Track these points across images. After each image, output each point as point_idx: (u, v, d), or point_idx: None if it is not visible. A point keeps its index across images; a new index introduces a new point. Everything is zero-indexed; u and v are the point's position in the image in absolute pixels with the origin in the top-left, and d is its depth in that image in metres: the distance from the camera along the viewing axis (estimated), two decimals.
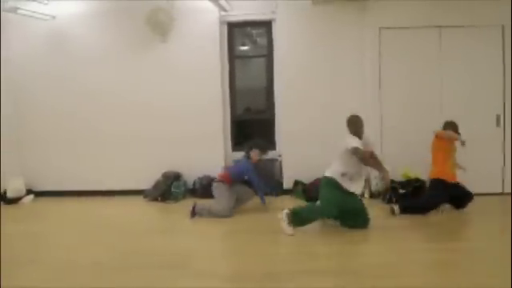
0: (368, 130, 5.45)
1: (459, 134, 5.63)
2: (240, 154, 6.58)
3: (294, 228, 5.02)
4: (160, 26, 6.76)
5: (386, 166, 6.61)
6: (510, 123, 6.58)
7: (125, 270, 4.24)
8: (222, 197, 5.86)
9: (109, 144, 7.26)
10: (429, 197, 5.79)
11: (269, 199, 6.25)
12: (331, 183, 5.15)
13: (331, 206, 5.06)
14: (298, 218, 5.07)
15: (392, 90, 6.67)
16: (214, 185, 5.99)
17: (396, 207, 5.72)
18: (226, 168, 6.49)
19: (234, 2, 6.97)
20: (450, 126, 5.71)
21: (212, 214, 5.77)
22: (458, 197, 5.76)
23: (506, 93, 6.56)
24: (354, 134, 5.19)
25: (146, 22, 6.75)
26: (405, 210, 5.70)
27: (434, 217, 5.58)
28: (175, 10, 6.89)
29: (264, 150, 6.16)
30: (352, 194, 5.17)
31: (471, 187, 6.52)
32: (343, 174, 5.11)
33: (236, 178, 6.03)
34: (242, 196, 6.10)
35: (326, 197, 5.15)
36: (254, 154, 6.06)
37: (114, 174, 7.28)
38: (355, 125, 5.27)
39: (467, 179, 6.57)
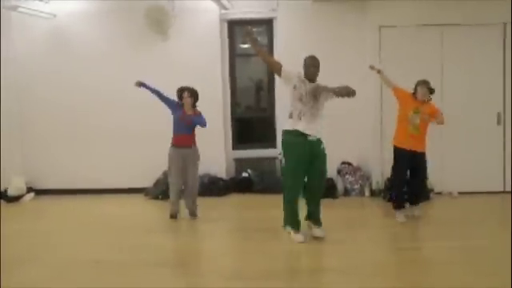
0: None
1: (432, 89, 5.39)
2: (241, 153, 6.58)
3: (294, 229, 4.81)
4: (158, 24, 6.73)
5: (386, 163, 6.64)
6: (510, 121, 6.58)
7: (126, 269, 4.25)
8: (169, 173, 5.68)
9: (110, 142, 7.26)
10: (392, 172, 5.60)
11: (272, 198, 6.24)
12: (283, 143, 4.76)
13: (290, 175, 4.71)
14: (289, 220, 4.86)
15: None
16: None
17: (399, 216, 5.45)
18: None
19: (235, 0, 6.96)
20: (419, 84, 5.40)
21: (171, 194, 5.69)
22: (414, 169, 5.42)
23: (507, 91, 6.56)
24: (305, 76, 4.74)
25: (144, 19, 6.73)
26: (396, 205, 5.51)
27: (434, 215, 5.57)
28: (175, 8, 6.89)
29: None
30: (306, 137, 4.60)
31: (471, 185, 6.56)
32: (290, 116, 4.70)
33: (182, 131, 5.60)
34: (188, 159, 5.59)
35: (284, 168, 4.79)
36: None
37: (115, 172, 7.28)
38: (304, 65, 4.78)
39: (469, 177, 6.60)
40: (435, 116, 5.30)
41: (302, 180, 4.70)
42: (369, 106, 6.80)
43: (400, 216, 5.44)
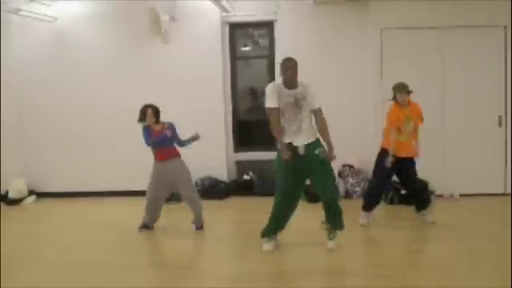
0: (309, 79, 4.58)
1: (410, 91, 5.21)
2: (242, 155, 6.52)
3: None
4: (151, 25, 6.66)
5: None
6: (511, 124, 6.58)
7: (127, 271, 4.25)
8: (148, 184, 5.46)
9: (111, 145, 7.25)
10: (373, 175, 5.54)
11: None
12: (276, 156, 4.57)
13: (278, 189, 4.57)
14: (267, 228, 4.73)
15: None
16: None
17: (362, 218, 5.41)
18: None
19: (236, 3, 6.97)
20: (396, 89, 5.26)
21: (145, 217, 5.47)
22: (404, 176, 5.37)
23: (508, 93, 6.55)
24: (283, 82, 4.43)
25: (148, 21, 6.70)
26: (368, 206, 5.42)
27: (435, 217, 5.56)
28: (176, 11, 6.90)
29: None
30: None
31: (473, 187, 6.56)
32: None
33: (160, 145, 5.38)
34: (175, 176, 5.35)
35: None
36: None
37: (117, 175, 7.27)
38: (281, 69, 4.40)
39: (470, 180, 6.59)
40: (420, 119, 5.31)
41: (291, 193, 4.54)
42: (370, 107, 6.80)
43: (363, 218, 5.42)
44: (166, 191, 5.56)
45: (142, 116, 5.36)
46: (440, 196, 6.55)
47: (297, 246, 4.72)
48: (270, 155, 7.38)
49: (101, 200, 7.11)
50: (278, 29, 7.19)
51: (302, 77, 6.89)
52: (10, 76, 7.12)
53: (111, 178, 7.29)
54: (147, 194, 5.46)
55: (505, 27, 6.48)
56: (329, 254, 4.54)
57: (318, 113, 4.48)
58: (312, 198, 6.53)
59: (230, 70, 7.42)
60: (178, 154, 5.44)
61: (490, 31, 6.52)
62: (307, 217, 5.40)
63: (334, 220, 4.64)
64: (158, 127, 5.42)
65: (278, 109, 4.35)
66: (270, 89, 4.43)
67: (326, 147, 4.47)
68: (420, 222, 5.44)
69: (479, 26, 6.49)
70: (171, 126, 5.45)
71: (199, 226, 5.40)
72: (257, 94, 7.64)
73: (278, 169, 4.53)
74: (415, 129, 5.33)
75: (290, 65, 4.36)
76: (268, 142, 7.49)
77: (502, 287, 3.62)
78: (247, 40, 7.77)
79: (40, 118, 7.36)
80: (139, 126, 7.15)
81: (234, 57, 7.45)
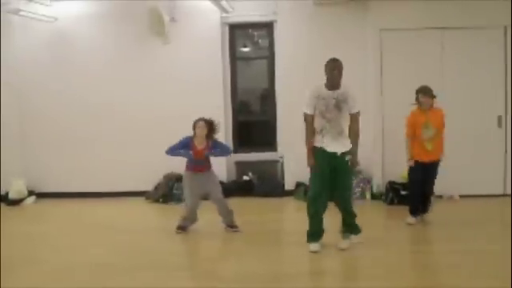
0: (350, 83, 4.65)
1: (433, 96, 5.25)
2: (242, 156, 6.49)
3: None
4: (152, 26, 6.66)
5: (387, 166, 6.63)
6: (511, 124, 6.57)
7: (126, 272, 4.25)
8: (185, 194, 5.44)
9: (110, 146, 7.26)
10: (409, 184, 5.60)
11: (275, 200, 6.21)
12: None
13: (312, 184, 4.47)
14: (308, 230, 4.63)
15: (394, 91, 6.66)
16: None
17: (410, 219, 5.45)
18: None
19: (236, 3, 6.97)
20: (419, 91, 5.30)
21: (184, 220, 5.40)
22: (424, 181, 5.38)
23: (508, 94, 6.55)
24: (326, 83, 4.50)
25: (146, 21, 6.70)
26: (413, 211, 5.47)
27: (435, 218, 5.56)
28: (176, 12, 6.91)
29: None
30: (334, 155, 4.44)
31: (472, 188, 6.55)
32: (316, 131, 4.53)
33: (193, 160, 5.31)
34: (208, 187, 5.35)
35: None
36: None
37: (116, 176, 7.28)
38: (326, 69, 4.51)
39: (470, 181, 6.59)
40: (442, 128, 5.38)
41: (323, 191, 4.46)
42: (370, 108, 6.79)
43: (411, 219, 5.45)
44: (201, 195, 5.45)
45: (194, 128, 5.34)
46: (440, 197, 6.54)
47: (297, 246, 4.71)
48: (269, 156, 7.44)
49: (100, 201, 7.11)
50: (277, 29, 7.19)
51: (300, 77, 6.93)
52: (9, 76, 7.11)
53: (111, 178, 7.30)
54: (187, 203, 5.36)
55: (505, 27, 6.48)
56: (328, 254, 4.53)
57: (355, 117, 4.52)
58: None
59: (230, 71, 7.42)
60: (210, 167, 5.44)
61: (490, 32, 6.52)
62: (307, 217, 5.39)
63: (350, 226, 4.69)
64: (201, 146, 5.33)
65: (312, 116, 4.46)
66: (308, 93, 4.49)
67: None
68: (420, 222, 5.44)
69: (479, 26, 6.49)
70: (214, 146, 5.40)
71: (232, 226, 5.37)
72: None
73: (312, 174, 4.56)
74: (438, 134, 5.36)
75: (335, 65, 4.45)
76: (268, 143, 7.52)
77: None
78: (247, 40, 7.78)
79: (40, 118, 7.36)
80: (139, 126, 7.19)
81: (234, 57, 7.45)
